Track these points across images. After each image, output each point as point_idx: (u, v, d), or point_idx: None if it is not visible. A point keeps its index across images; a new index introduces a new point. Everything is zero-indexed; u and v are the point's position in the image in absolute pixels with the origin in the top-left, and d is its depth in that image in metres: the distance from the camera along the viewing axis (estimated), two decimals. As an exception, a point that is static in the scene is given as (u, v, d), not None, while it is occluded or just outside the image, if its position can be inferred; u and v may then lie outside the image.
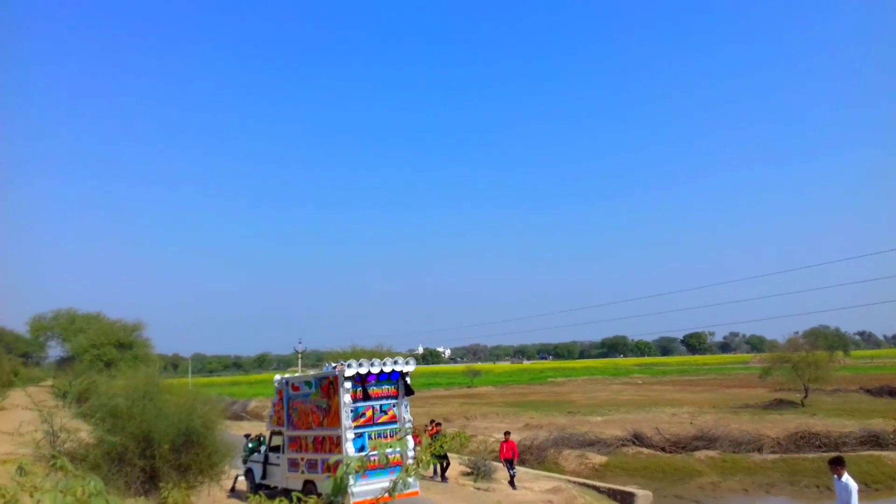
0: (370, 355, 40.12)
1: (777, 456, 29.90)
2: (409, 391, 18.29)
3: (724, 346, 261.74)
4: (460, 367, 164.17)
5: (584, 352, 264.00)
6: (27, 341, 64.07)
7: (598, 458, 30.68)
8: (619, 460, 30.69)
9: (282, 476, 18.99)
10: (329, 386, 17.67)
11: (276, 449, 19.74)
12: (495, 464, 25.10)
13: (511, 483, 23.10)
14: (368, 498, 13.24)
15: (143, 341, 56.36)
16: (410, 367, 18.35)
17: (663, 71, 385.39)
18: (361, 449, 16.67)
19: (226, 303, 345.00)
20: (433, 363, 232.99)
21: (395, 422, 17.79)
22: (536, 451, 31.99)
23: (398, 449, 15.10)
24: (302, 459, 18.30)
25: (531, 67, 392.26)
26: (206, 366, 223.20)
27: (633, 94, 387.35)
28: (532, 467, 29.00)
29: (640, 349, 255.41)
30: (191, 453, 13.89)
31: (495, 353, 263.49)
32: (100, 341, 52.07)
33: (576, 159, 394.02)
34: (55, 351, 64.07)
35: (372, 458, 12.06)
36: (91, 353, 50.71)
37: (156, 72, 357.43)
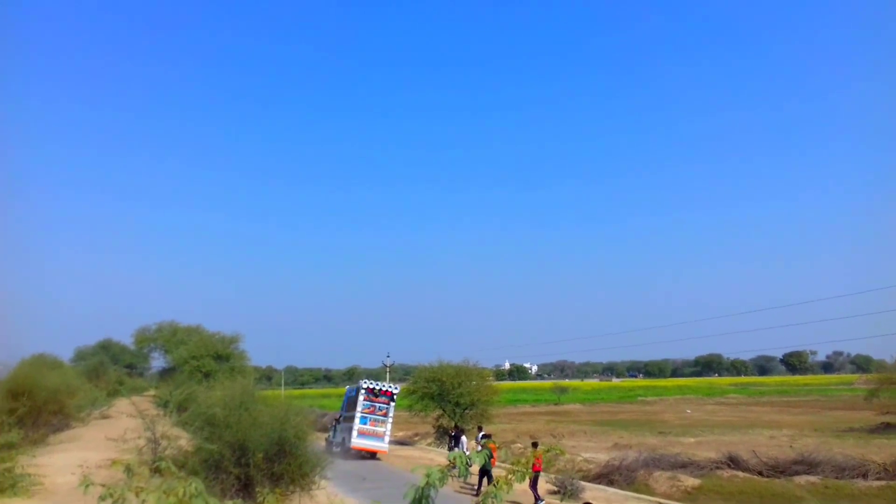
0: (456, 370, 40.72)
1: (883, 483, 28.13)
2: (392, 399, 34.85)
3: (827, 367, 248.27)
4: (547, 383, 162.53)
5: (676, 370, 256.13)
6: (132, 353, 67.22)
7: (690, 481, 29.70)
8: (713, 483, 29.59)
9: (339, 434, 36.74)
10: (357, 392, 34.76)
11: (337, 422, 38.74)
12: (584, 483, 24.71)
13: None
14: (363, 446, 33.49)
15: (240, 353, 58.28)
16: (396, 389, 35.61)
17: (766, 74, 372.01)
18: (365, 424, 33.78)
19: (318, 317, 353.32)
20: (519, 379, 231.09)
21: (386, 416, 34.25)
22: (625, 472, 31.25)
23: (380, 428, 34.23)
24: (346, 427, 35.61)
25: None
26: (298, 378, 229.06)
27: (735, 99, 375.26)
28: (621, 488, 28.38)
29: (737, 368, 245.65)
30: (283, 463, 14.27)
31: (583, 370, 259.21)
32: (199, 353, 54.04)
33: (668, 166, 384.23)
34: (157, 362, 67.07)
35: (368, 429, 33.69)
36: (191, 364, 52.71)
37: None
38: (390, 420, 34.57)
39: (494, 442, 21.87)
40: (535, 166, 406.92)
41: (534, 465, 23.71)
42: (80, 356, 62.08)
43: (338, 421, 38.81)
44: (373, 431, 33.70)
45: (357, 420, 33.75)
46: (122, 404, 35.01)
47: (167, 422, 19.69)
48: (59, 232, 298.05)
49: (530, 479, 22.69)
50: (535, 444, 25.63)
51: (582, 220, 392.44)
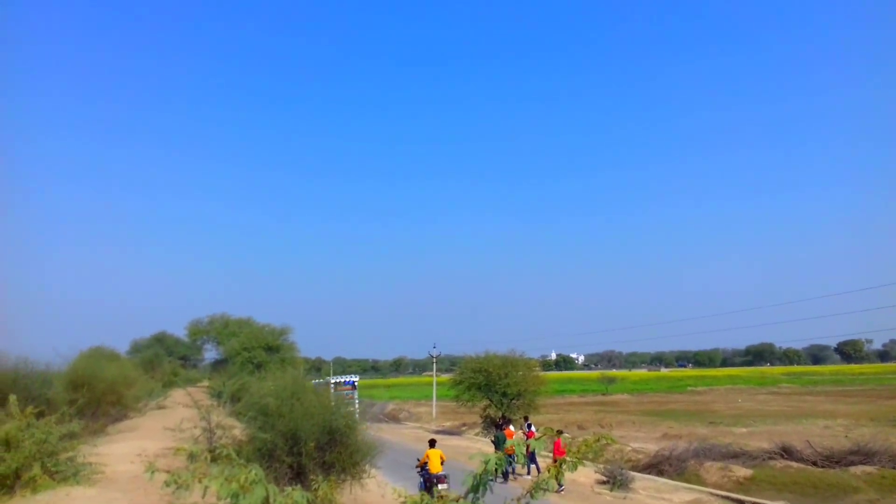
0: (503, 360, 40.73)
1: (944, 473, 27.38)
2: (354, 387, 42.77)
3: (884, 355, 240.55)
4: (594, 373, 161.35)
5: (726, 360, 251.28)
6: (186, 345, 68.62)
7: (742, 472, 29.27)
8: (765, 474, 29.13)
9: None
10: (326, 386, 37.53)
11: None
12: (633, 473, 24.56)
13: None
14: None
15: (290, 345, 58.97)
16: (356, 378, 44.80)
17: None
18: None
19: (365, 308, 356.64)
20: (566, 369, 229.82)
21: (352, 400, 37.93)
22: (676, 462, 30.96)
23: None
24: None
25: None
26: (346, 369, 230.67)
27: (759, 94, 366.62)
28: (671, 478, 28.13)
29: (789, 357, 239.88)
30: (334, 452, 14.46)
31: (631, 360, 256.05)
32: (250, 344, 54.91)
33: (717, 151, 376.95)
34: (210, 353, 68.42)
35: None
36: (243, 355, 53.60)
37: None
38: (356, 403, 40.81)
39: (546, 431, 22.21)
40: (578, 154, 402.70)
41: (554, 450, 23.86)
42: (136, 348, 63.57)
43: None
44: None
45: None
46: (178, 395, 35.77)
47: (221, 412, 20.14)
48: (116, 231, 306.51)
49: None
50: (559, 432, 25.56)
51: (629, 207, 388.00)
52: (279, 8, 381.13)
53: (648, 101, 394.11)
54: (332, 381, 44.03)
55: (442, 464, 19.15)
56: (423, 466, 19.54)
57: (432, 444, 20.34)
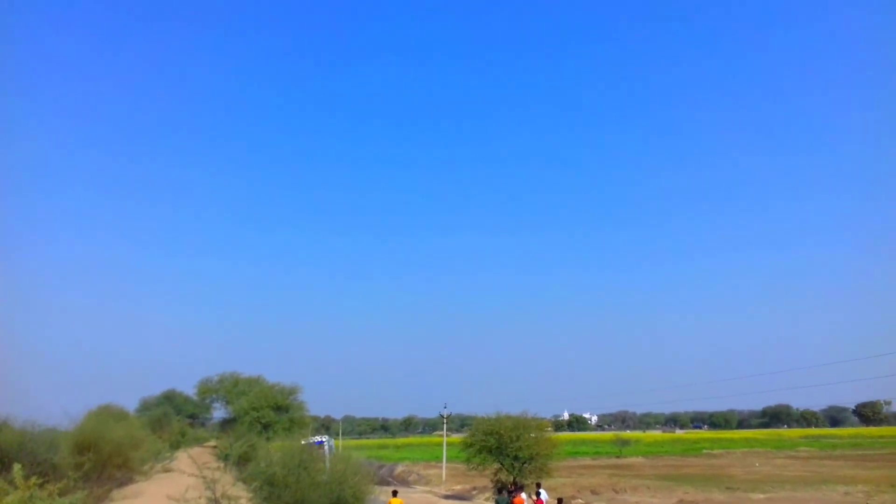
0: (514, 422, 40.16)
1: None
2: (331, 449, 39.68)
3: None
4: (608, 434, 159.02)
5: (742, 421, 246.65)
6: (195, 403, 68.14)
7: (761, 542, 28.44)
8: (785, 545, 28.30)
9: None
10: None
11: None
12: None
13: None
14: None
15: (299, 404, 58.58)
16: (326, 438, 43.21)
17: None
18: None
19: (375, 366, 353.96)
20: (579, 430, 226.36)
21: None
22: (692, 531, 30.16)
23: None
24: None
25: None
26: (355, 428, 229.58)
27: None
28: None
29: (806, 419, 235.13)
30: (341, 523, 14.22)
31: (645, 421, 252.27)
32: (259, 404, 54.53)
33: (733, 207, 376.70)
34: (219, 412, 67.89)
35: None
36: (251, 415, 53.19)
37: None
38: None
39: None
40: (590, 211, 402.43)
41: None
42: (145, 406, 63.16)
43: None
44: None
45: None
46: (184, 457, 35.40)
47: (228, 477, 19.84)
48: (125, 285, 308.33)
49: None
50: (559, 500, 25.08)
51: (642, 264, 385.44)
52: (282, 64, 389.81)
53: (671, 154, 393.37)
54: (316, 440, 45.94)
55: None
56: None
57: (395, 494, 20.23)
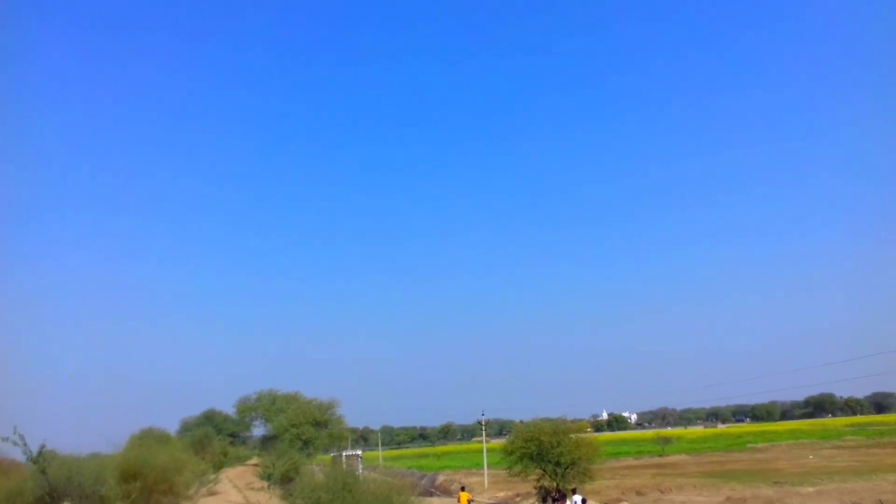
0: (553, 427, 39.88)
1: None
2: (359, 458, 51.79)
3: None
4: (649, 433, 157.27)
5: (785, 412, 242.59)
6: (234, 421, 68.85)
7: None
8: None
9: None
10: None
11: None
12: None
13: None
14: None
15: (337, 419, 59.00)
16: (358, 452, 60.78)
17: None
18: None
19: (412, 375, 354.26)
20: (619, 429, 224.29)
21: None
22: (742, 530, 29.68)
23: None
24: None
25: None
26: (394, 438, 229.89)
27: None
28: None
29: (851, 407, 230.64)
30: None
31: (686, 417, 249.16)
32: (298, 420, 55.00)
33: (783, 184, 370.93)
34: (259, 430, 68.61)
35: None
36: (291, 432, 53.68)
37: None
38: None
39: None
40: (619, 205, 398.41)
41: None
42: (186, 427, 63.92)
43: None
44: None
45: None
46: (227, 477, 35.63)
47: (273, 494, 19.93)
48: (162, 306, 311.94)
49: None
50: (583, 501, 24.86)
51: (674, 251, 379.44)
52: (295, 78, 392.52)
53: (711, 142, 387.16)
54: (345, 454, 54.75)
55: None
56: None
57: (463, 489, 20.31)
